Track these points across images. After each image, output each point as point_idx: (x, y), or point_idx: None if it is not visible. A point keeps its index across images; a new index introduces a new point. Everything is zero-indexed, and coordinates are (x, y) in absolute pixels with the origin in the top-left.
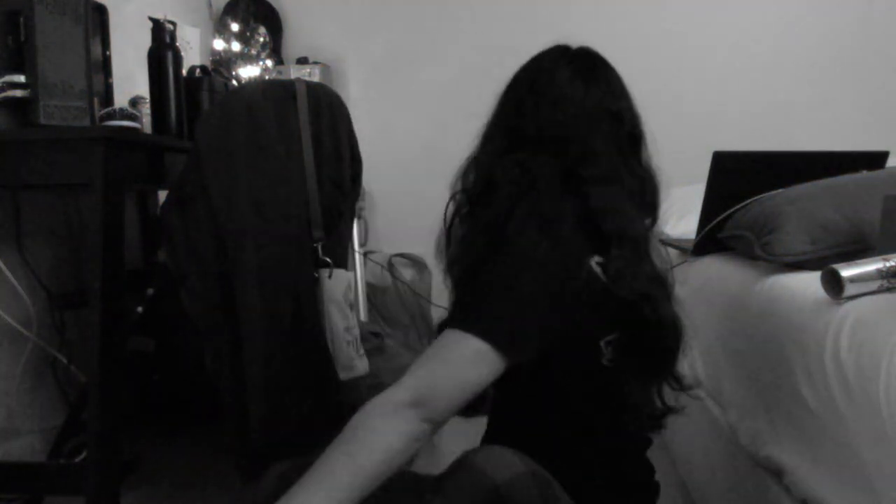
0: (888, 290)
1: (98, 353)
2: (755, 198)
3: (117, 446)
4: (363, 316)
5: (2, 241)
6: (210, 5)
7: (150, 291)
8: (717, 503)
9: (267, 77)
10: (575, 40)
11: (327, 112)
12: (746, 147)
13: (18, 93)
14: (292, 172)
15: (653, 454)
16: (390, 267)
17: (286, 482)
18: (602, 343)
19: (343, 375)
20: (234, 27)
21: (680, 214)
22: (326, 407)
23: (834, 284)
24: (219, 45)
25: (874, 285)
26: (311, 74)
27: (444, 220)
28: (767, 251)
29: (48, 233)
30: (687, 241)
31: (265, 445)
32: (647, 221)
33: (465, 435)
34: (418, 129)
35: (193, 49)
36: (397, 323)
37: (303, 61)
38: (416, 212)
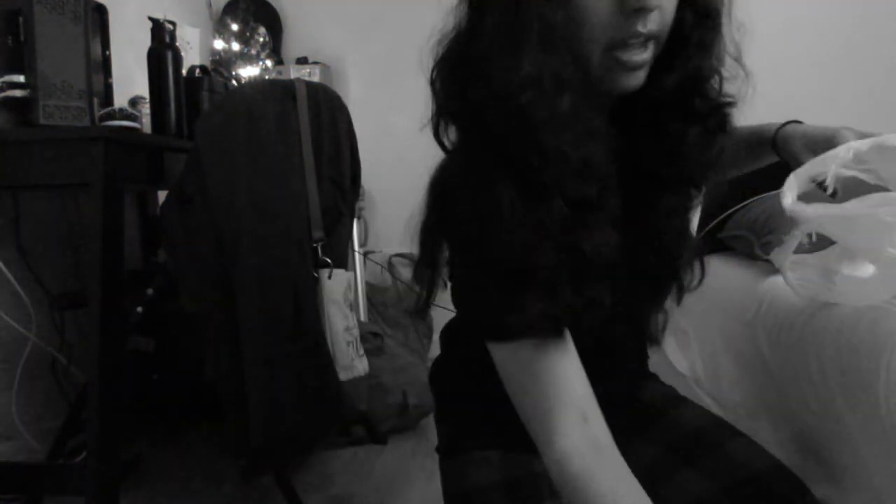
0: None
1: (98, 353)
2: (755, 198)
3: (117, 446)
4: (363, 316)
5: (2, 241)
6: (210, 5)
7: (150, 291)
8: None
9: (267, 77)
10: None
11: (327, 112)
12: None
13: (18, 93)
14: (292, 172)
15: None
16: (390, 267)
17: None
18: None
19: (343, 375)
20: (234, 27)
21: None
22: (326, 407)
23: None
24: (219, 45)
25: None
26: (311, 74)
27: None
28: (767, 251)
29: (48, 233)
30: None
31: (265, 445)
32: None
33: None
34: (418, 129)
35: (193, 49)
36: (397, 323)
37: (303, 61)
38: (417, 212)
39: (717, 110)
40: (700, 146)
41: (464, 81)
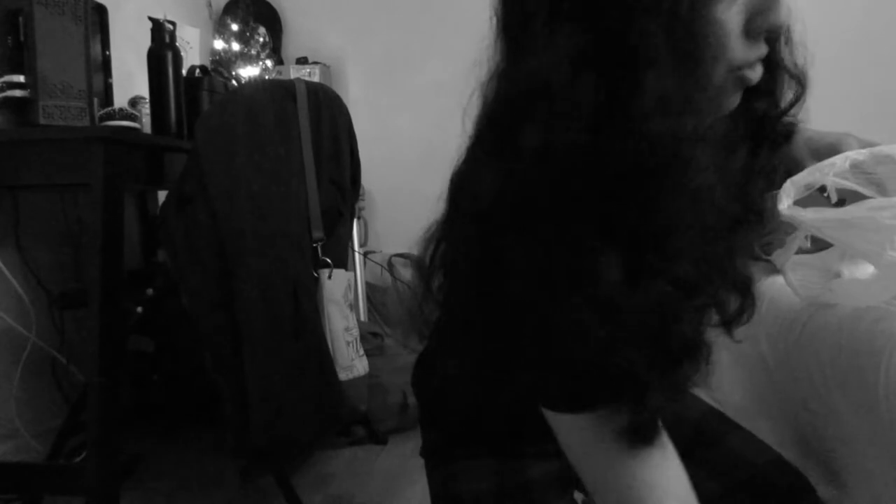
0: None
1: (98, 353)
2: None
3: (117, 446)
4: (363, 316)
5: (2, 241)
6: (210, 5)
7: (150, 291)
8: None
9: (267, 77)
10: None
11: (327, 112)
12: None
13: (18, 93)
14: (292, 172)
15: None
16: (390, 267)
17: None
18: None
19: (343, 376)
20: (234, 27)
21: None
22: (326, 407)
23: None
24: (219, 45)
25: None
26: (311, 74)
27: None
28: (768, 251)
29: (48, 233)
30: None
31: (265, 445)
32: None
33: None
34: (418, 129)
35: (193, 49)
36: (397, 323)
37: (303, 61)
38: (416, 212)
39: (791, 135)
40: (773, 174)
41: (587, 123)
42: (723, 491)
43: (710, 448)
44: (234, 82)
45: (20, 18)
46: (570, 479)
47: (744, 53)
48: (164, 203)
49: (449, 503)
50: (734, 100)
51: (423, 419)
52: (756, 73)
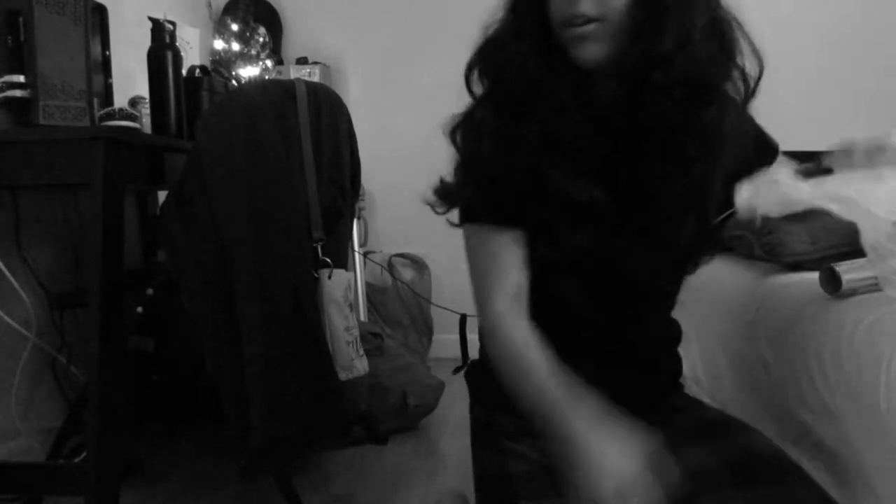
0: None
1: (98, 353)
2: None
3: (117, 446)
4: (363, 316)
5: (2, 241)
6: (210, 5)
7: (150, 291)
8: None
9: (267, 77)
10: None
11: (327, 112)
12: None
13: (18, 93)
14: (292, 172)
15: None
16: (390, 267)
17: None
18: None
19: (343, 376)
20: (234, 27)
21: None
22: (326, 407)
23: (832, 282)
24: (219, 45)
25: (870, 282)
26: (311, 74)
27: None
28: (767, 251)
29: (48, 233)
30: None
31: (265, 445)
32: None
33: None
34: (418, 129)
35: (193, 49)
36: (397, 323)
37: (303, 61)
38: (416, 212)
39: (681, 84)
40: (670, 117)
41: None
42: (720, 466)
43: (717, 437)
44: (234, 82)
45: (20, 18)
46: None
47: (564, 13)
48: (164, 203)
49: (503, 480)
50: (578, 50)
51: (471, 399)
52: (580, 30)
